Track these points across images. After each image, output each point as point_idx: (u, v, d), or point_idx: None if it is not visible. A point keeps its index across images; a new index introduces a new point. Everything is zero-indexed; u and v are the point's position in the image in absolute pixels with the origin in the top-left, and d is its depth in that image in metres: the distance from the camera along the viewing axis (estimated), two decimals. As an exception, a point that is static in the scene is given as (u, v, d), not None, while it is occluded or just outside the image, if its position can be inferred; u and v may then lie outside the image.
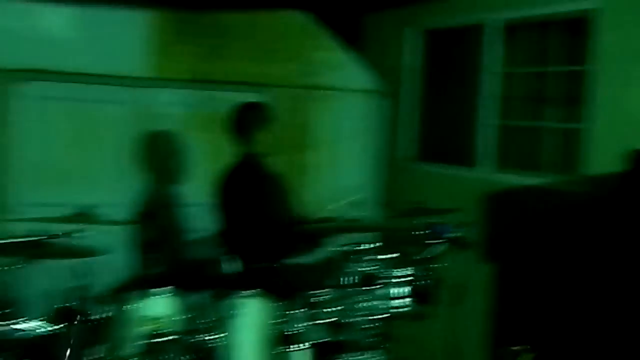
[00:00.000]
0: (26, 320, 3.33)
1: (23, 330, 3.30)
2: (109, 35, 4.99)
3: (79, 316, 3.30)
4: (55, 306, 3.52)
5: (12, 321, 3.29)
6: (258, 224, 3.82)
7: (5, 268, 3.39)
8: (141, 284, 3.38)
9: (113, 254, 3.65)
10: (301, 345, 3.36)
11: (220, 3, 5.03)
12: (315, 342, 3.39)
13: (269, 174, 3.96)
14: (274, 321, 3.34)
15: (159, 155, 4.69)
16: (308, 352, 3.38)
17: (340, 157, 5.36)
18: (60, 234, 3.49)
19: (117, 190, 5.03)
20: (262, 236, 3.82)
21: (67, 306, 3.47)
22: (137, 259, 3.65)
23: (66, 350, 3.24)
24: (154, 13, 5.05)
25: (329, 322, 3.46)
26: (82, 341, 3.25)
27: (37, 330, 3.31)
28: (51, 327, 3.32)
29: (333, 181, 5.12)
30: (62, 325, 3.31)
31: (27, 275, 3.93)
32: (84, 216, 3.78)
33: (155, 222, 4.69)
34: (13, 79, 4.96)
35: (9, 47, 4.80)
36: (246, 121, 3.97)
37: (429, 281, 3.63)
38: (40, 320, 3.34)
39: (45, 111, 5.07)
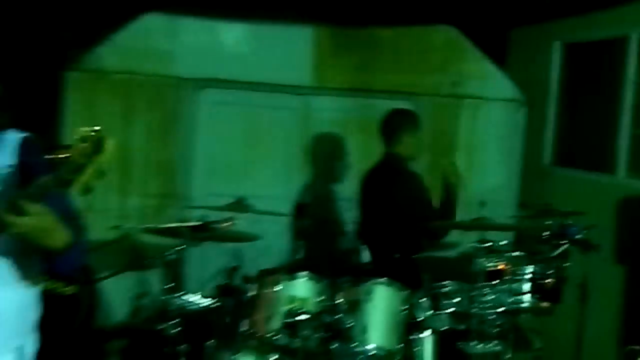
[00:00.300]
0: (194, 294, 3.83)
1: (191, 303, 3.78)
2: (277, 48, 5.27)
3: (235, 293, 3.72)
4: (218, 283, 4.05)
5: (182, 294, 3.74)
6: (394, 219, 3.98)
7: (177, 248, 3.78)
8: (289, 267, 3.69)
9: (267, 239, 4.01)
10: (426, 331, 3.50)
11: (375, 20, 5.22)
12: (439, 329, 3.52)
13: (409, 172, 4.13)
14: (401, 307, 3.46)
15: (322, 155, 5.24)
16: (432, 337, 3.51)
17: (481, 161, 5.42)
18: (222, 220, 3.83)
19: (282, 185, 5.40)
20: (397, 230, 3.98)
21: (227, 283, 3.97)
22: (293, 244, 4.05)
23: (224, 322, 3.64)
24: (316, 29, 5.31)
25: (452, 311, 3.57)
26: (237, 315, 3.60)
27: (202, 304, 3.79)
28: (213, 301, 3.77)
29: (473, 183, 5.13)
30: (222, 300, 3.76)
31: (195, 255, 4.44)
32: (241, 206, 4.05)
33: (313, 214, 5.25)
34: (196, 86, 5.34)
35: (193, 59, 5.25)
36: (392, 125, 4.20)
37: (554, 279, 3.68)
38: (204, 295, 3.83)
39: (222, 115, 5.42)
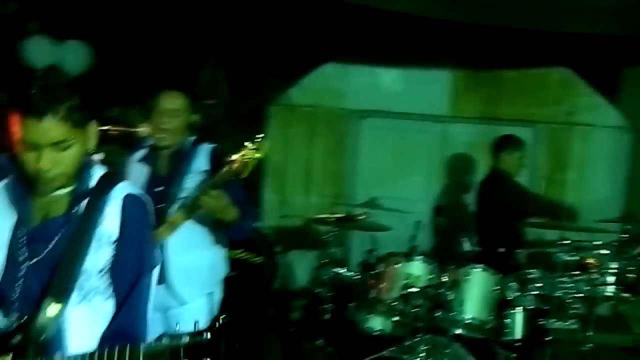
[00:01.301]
0: (343, 268, 4.10)
1: (341, 274, 4.07)
2: (422, 85, 5.53)
3: (370, 268, 3.93)
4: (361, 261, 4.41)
5: (335, 268, 4.00)
6: (494, 219, 4.19)
7: (329, 234, 4.16)
8: (409, 251, 3.77)
9: (397, 230, 4.19)
10: (516, 308, 3.60)
11: (501, 63, 5.40)
12: (526, 307, 3.61)
13: (507, 183, 4.26)
14: (493, 288, 3.59)
15: (456, 170, 5.49)
16: (522, 314, 3.61)
17: (590, 177, 5.43)
18: (360, 214, 4.21)
19: (424, 191, 5.70)
20: (496, 227, 4.14)
21: (365, 261, 4.27)
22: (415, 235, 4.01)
23: (362, 290, 3.87)
24: (453, 70, 5.57)
25: (537, 294, 3.66)
26: (370, 285, 3.78)
27: (348, 275, 4.07)
28: (355, 274, 4.05)
29: (583, 195, 5.23)
30: (361, 273, 4.02)
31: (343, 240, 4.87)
32: (375, 204, 4.36)
33: (447, 214, 5.53)
34: (360, 116, 5.76)
35: (359, 95, 5.68)
36: (496, 146, 4.36)
37: (635, 274, 3.71)
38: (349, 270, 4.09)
39: (378, 137, 5.80)
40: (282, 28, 5.40)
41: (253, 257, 4.62)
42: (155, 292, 2.65)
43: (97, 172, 1.78)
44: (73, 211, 1.71)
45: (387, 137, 5.80)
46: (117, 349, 1.51)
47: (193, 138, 2.93)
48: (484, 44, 5.18)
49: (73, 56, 5.85)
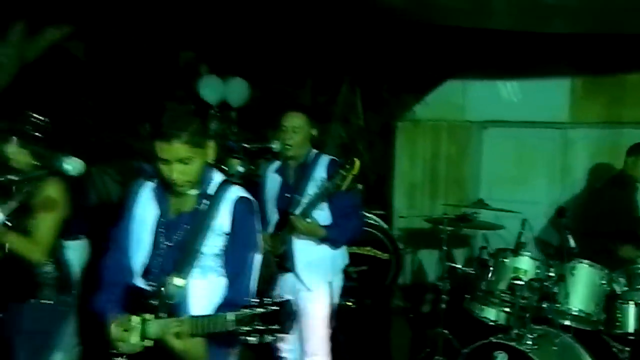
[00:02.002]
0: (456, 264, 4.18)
1: (457, 268, 4.13)
2: (541, 94, 5.33)
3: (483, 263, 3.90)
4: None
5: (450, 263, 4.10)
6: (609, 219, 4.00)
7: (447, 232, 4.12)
8: (516, 247, 3.69)
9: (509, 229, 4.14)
10: (628, 302, 3.47)
11: (622, 67, 5.07)
12: (636, 302, 3.47)
13: (626, 187, 4.15)
14: (600, 282, 3.48)
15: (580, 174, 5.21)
16: (634, 308, 3.47)
17: None
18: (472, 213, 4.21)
19: (544, 194, 5.50)
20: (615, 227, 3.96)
21: (478, 257, 4.25)
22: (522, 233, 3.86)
23: (476, 283, 3.86)
24: (572, 78, 5.29)
25: None
26: (483, 278, 3.78)
27: (463, 269, 4.09)
28: (470, 268, 4.03)
29: None
30: (475, 268, 4.01)
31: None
32: (484, 205, 4.42)
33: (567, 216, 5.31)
34: (480, 127, 5.75)
35: (479, 108, 5.63)
36: (628, 151, 4.26)
37: None
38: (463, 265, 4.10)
39: (500, 146, 5.73)
40: (408, 52, 5.56)
41: (381, 254, 4.77)
42: (287, 278, 3.04)
43: (217, 179, 2.06)
44: (197, 208, 2.01)
45: (508, 145, 5.70)
46: (216, 314, 1.83)
47: (315, 151, 3.22)
48: (602, 50, 4.91)
49: (236, 91, 6.53)
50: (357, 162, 2.80)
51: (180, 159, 1.90)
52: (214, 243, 1.99)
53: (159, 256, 2.03)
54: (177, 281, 1.94)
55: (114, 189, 6.52)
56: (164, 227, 2.04)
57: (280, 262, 3.14)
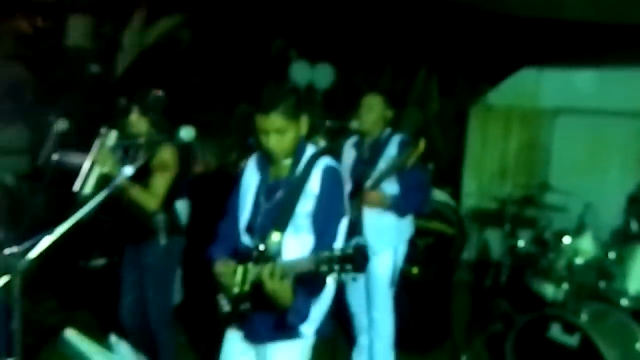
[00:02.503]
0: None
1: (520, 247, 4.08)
2: (617, 83, 5.13)
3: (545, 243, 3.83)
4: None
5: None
6: None
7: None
8: (577, 228, 3.68)
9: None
10: None
11: None
12: None
13: None
14: None
15: None
16: None
17: None
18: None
19: (617, 184, 5.10)
20: None
21: (540, 236, 4.03)
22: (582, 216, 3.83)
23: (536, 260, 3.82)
24: None
25: None
26: (543, 256, 3.75)
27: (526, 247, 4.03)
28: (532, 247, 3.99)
29: None
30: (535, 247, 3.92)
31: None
32: (548, 188, 4.39)
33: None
34: (553, 115, 5.53)
35: (552, 96, 5.42)
36: None
37: None
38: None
39: (573, 134, 5.47)
40: (483, 41, 5.55)
41: (447, 229, 4.85)
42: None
43: (310, 150, 2.21)
44: (292, 175, 2.16)
45: (581, 133, 5.47)
46: (301, 257, 2.01)
47: (389, 130, 3.35)
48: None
49: (322, 75, 6.75)
50: (422, 142, 2.93)
51: (277, 129, 2.07)
52: (305, 204, 2.12)
53: (260, 215, 2.19)
54: (275, 236, 2.09)
55: (213, 160, 6.95)
56: (264, 191, 2.21)
57: (351, 228, 3.25)
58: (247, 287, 2.11)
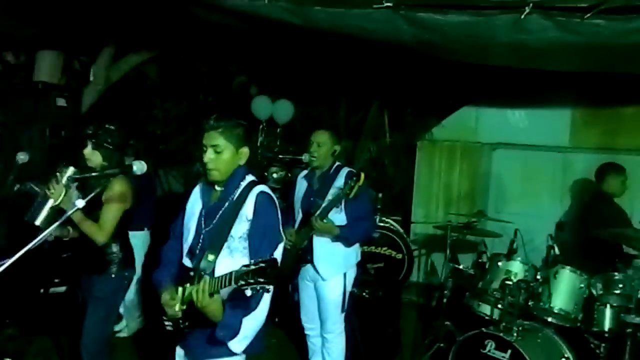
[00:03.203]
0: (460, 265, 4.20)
1: (460, 269, 4.18)
2: (545, 120, 5.39)
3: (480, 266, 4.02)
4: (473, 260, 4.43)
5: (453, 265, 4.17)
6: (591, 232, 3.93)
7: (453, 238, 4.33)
8: (509, 253, 3.81)
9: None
10: (605, 304, 3.43)
11: (619, 100, 5.05)
12: (611, 304, 3.41)
13: (607, 203, 4.14)
14: (580, 286, 3.45)
15: (576, 194, 5.27)
16: (609, 309, 3.43)
17: None
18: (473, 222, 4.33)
19: (546, 209, 5.47)
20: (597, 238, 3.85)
21: (478, 260, 4.28)
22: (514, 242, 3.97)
23: (473, 282, 3.95)
24: (573, 107, 5.31)
25: (619, 293, 3.37)
26: (478, 278, 3.87)
27: (464, 270, 4.15)
28: (470, 269, 4.10)
29: None
30: (474, 270, 4.06)
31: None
32: (484, 215, 4.60)
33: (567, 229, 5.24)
34: (490, 148, 5.79)
35: (490, 131, 5.70)
36: (600, 171, 4.27)
37: None
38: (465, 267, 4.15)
39: (507, 165, 5.76)
40: (429, 81, 5.78)
41: (395, 254, 4.96)
42: (307, 268, 3.29)
43: (248, 179, 2.28)
44: (229, 199, 2.22)
45: (514, 164, 5.78)
46: (224, 274, 2.01)
47: (338, 163, 3.47)
48: (600, 85, 4.98)
49: (282, 110, 6.85)
50: (362, 175, 3.02)
51: (213, 145, 2.14)
52: (240, 228, 2.17)
53: (199, 238, 2.25)
54: (209, 257, 2.14)
55: (177, 188, 6.92)
56: (204, 215, 2.27)
57: (302, 255, 3.35)
58: (183, 306, 2.16)
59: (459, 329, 4.02)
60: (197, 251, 2.22)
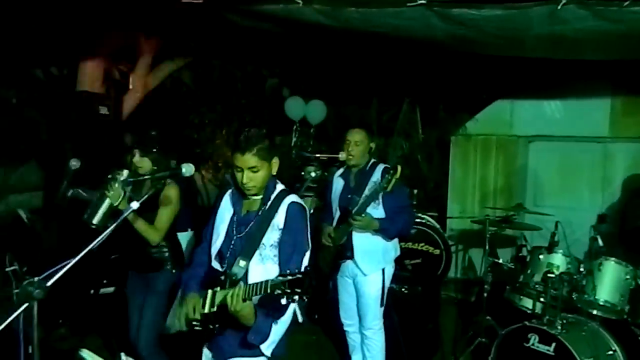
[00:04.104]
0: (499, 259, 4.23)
1: (499, 263, 4.17)
2: (583, 111, 5.33)
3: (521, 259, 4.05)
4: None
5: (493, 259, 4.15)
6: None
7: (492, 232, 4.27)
8: (550, 245, 3.75)
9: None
10: None
11: None
12: None
13: None
14: (626, 277, 3.43)
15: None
16: None
17: None
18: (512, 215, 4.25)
19: (586, 201, 5.43)
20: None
21: (518, 254, 4.41)
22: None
23: (515, 276, 3.90)
24: (612, 97, 5.21)
25: None
26: (520, 271, 3.87)
27: (505, 265, 4.15)
28: (511, 264, 4.14)
29: None
30: (515, 263, 4.08)
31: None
32: (522, 208, 4.47)
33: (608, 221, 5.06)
34: (526, 141, 5.70)
35: (525, 124, 5.61)
36: None
37: None
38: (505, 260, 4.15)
39: (544, 157, 5.68)
40: (461, 76, 5.73)
41: (433, 250, 4.95)
42: (347, 264, 3.32)
43: (279, 188, 2.33)
44: (262, 209, 2.28)
45: (552, 157, 5.69)
46: (259, 282, 2.06)
47: (374, 160, 3.48)
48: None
49: (315, 110, 6.92)
50: (399, 168, 3.03)
51: (250, 167, 2.20)
52: (271, 236, 2.23)
53: (230, 244, 2.30)
54: (241, 263, 2.19)
55: (214, 193, 7.06)
56: (235, 222, 2.32)
57: (341, 251, 3.37)
58: (214, 309, 2.21)
59: (499, 324, 4.00)
60: (228, 256, 2.28)
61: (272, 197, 2.27)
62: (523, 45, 3.10)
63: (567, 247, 3.90)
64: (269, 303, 2.10)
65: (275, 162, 2.29)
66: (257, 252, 2.21)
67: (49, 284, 1.79)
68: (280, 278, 1.92)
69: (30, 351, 2.07)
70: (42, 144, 5.10)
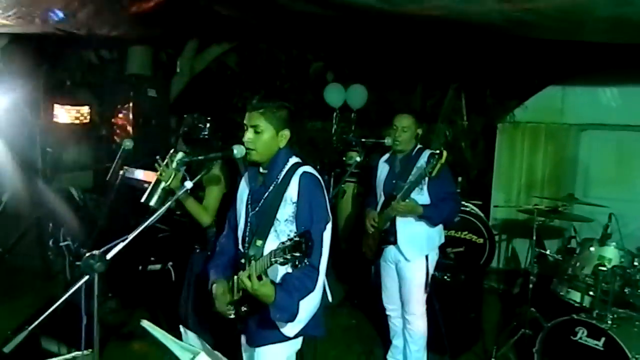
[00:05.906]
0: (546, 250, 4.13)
1: (547, 255, 4.09)
2: (639, 96, 5.09)
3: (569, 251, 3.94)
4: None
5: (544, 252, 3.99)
6: None
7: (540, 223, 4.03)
8: (602, 237, 3.63)
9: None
10: None
11: None
12: None
13: None
14: None
15: None
16: None
17: None
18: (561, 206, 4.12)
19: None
20: None
21: (565, 245, 4.30)
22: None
23: (562, 268, 3.78)
24: None
25: None
26: (569, 264, 3.76)
27: (551, 257, 4.05)
28: (557, 255, 4.02)
29: None
30: (562, 254, 3.95)
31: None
32: (573, 198, 4.29)
33: None
34: (578, 129, 5.50)
35: (577, 112, 5.40)
36: None
37: None
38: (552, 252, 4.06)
39: (598, 147, 5.46)
40: (511, 60, 5.57)
41: (476, 239, 4.87)
42: (390, 249, 3.30)
43: (292, 161, 2.21)
44: (273, 182, 2.18)
45: (606, 146, 5.46)
46: (268, 254, 1.98)
47: (420, 146, 3.44)
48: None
49: (356, 95, 6.89)
50: (445, 153, 2.97)
51: (253, 125, 2.12)
52: (285, 211, 2.11)
53: (247, 223, 2.23)
54: (258, 242, 2.11)
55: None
56: (250, 199, 2.25)
57: (384, 236, 3.36)
58: (240, 294, 2.16)
59: (544, 317, 3.91)
60: (247, 234, 2.21)
61: (285, 170, 2.16)
62: (583, 29, 2.96)
63: (621, 239, 3.79)
64: (291, 278, 2.05)
65: (285, 134, 2.18)
66: (272, 229, 2.11)
67: (108, 257, 1.85)
68: (281, 245, 1.86)
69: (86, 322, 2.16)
70: (94, 125, 5.26)
